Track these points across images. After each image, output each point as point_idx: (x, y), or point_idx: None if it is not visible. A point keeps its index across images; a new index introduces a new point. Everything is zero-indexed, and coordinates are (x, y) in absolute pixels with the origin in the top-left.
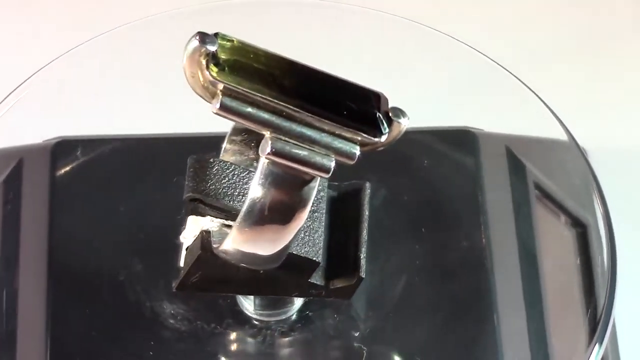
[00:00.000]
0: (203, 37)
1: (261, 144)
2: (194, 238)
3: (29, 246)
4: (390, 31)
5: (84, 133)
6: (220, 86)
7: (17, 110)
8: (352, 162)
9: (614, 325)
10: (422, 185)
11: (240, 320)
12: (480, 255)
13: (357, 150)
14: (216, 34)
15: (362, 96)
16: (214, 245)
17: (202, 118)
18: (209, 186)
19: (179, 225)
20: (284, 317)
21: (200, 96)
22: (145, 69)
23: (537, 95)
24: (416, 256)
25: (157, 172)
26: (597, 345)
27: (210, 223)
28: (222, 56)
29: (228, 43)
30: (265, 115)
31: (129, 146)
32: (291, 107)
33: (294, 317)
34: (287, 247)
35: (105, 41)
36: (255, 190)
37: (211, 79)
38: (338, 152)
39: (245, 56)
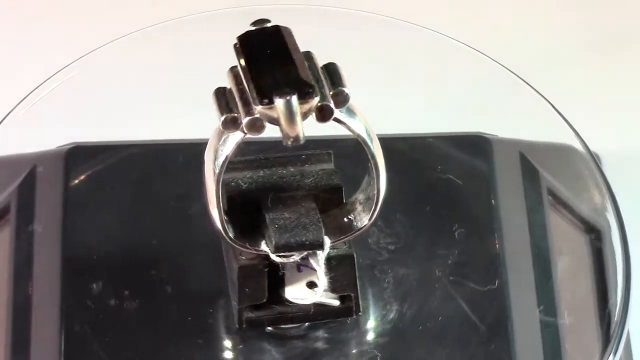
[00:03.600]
0: (302, 91)
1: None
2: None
3: (43, 252)
4: (405, 38)
5: (98, 139)
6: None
7: (30, 117)
8: None
9: (628, 334)
10: (435, 191)
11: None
12: (493, 261)
13: None
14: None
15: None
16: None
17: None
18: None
19: (191, 231)
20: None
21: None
22: (159, 75)
23: (549, 102)
24: (429, 261)
25: (171, 178)
26: (611, 355)
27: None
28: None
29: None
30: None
31: (142, 152)
32: None
33: (307, 323)
34: None
35: (118, 47)
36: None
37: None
38: None
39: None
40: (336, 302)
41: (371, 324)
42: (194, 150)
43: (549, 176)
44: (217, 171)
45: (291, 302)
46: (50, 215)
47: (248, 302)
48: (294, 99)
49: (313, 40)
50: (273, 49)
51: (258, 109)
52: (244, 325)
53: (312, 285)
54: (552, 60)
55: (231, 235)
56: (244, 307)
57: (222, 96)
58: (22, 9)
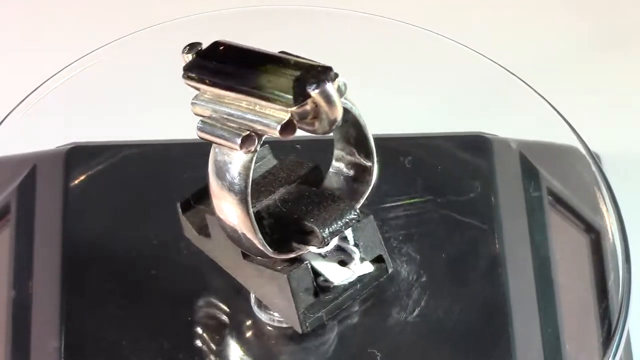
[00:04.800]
0: (329, 75)
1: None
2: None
3: (43, 252)
4: (406, 40)
5: (98, 139)
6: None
7: (30, 117)
8: None
9: (628, 334)
10: (436, 190)
11: (254, 325)
12: (493, 261)
13: None
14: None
15: None
16: None
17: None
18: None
19: None
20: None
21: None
22: (159, 75)
23: (549, 103)
24: (429, 261)
25: (170, 178)
26: (611, 355)
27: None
28: None
29: None
30: None
31: (142, 152)
32: None
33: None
34: None
35: (119, 47)
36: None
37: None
38: None
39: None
40: (371, 267)
41: (403, 273)
42: (194, 150)
43: (549, 176)
44: (242, 197)
45: (336, 286)
46: (50, 215)
47: (305, 304)
48: (329, 84)
49: (312, 41)
50: (246, 60)
51: (292, 110)
52: (308, 328)
53: (342, 263)
54: (552, 60)
55: (272, 251)
56: (303, 311)
57: (211, 126)
58: (23, 10)
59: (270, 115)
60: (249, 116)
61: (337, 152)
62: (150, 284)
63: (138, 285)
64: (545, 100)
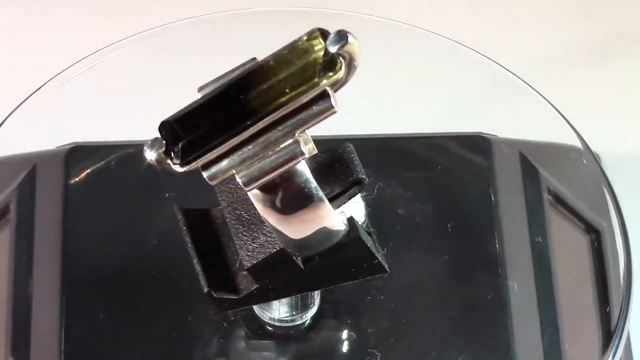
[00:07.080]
0: (329, 32)
1: None
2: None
3: (43, 252)
4: (406, 41)
5: (98, 139)
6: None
7: (31, 117)
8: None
9: (628, 334)
10: (436, 190)
11: (255, 324)
12: (493, 261)
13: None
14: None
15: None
16: None
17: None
18: None
19: None
20: (299, 322)
21: None
22: (160, 75)
23: (549, 102)
24: (429, 261)
25: (171, 178)
26: (611, 355)
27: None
28: None
29: None
30: None
31: (142, 152)
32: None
33: (307, 323)
34: None
35: (119, 48)
36: None
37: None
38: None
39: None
40: (359, 197)
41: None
42: None
43: (550, 176)
44: (320, 197)
45: (361, 223)
46: (50, 215)
47: (375, 248)
48: (348, 33)
49: None
50: (221, 104)
51: (329, 80)
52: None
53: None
54: (552, 60)
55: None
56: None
57: (254, 171)
58: (23, 10)
59: (309, 105)
60: (290, 126)
61: None
62: (150, 284)
63: (138, 285)
64: (546, 100)
